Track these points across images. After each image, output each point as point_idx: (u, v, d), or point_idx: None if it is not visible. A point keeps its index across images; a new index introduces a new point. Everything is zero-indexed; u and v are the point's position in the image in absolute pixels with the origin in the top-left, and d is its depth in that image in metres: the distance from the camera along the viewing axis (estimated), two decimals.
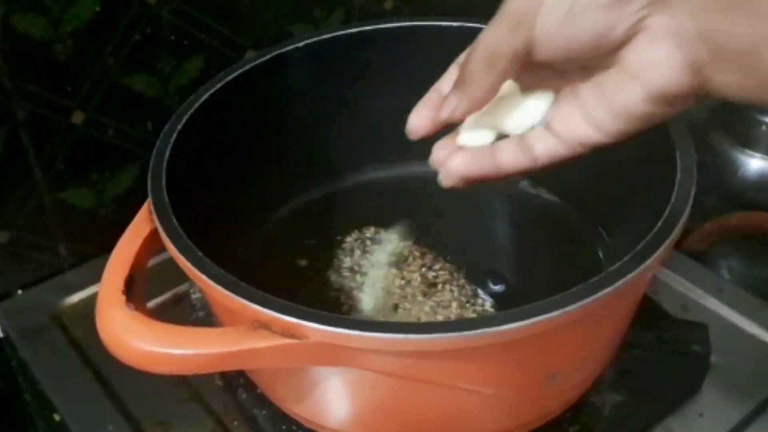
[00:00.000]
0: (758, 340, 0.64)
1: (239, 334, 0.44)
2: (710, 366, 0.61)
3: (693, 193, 0.49)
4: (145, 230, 0.51)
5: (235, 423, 0.59)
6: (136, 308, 0.46)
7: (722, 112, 0.94)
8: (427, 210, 0.69)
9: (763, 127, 0.90)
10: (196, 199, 0.57)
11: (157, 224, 0.50)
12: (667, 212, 0.48)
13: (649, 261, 0.45)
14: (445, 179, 0.46)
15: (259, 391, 0.59)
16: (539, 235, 0.69)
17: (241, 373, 0.60)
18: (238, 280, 0.46)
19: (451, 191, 0.44)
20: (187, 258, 0.47)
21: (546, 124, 0.43)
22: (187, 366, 0.45)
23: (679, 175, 0.51)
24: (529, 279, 0.65)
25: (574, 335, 0.47)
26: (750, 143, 0.90)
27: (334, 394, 0.51)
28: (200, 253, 0.47)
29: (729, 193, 0.92)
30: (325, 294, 0.63)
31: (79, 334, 0.67)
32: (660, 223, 0.47)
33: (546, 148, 0.43)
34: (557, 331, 0.44)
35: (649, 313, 0.61)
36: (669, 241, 0.46)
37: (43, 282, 0.72)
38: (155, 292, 0.69)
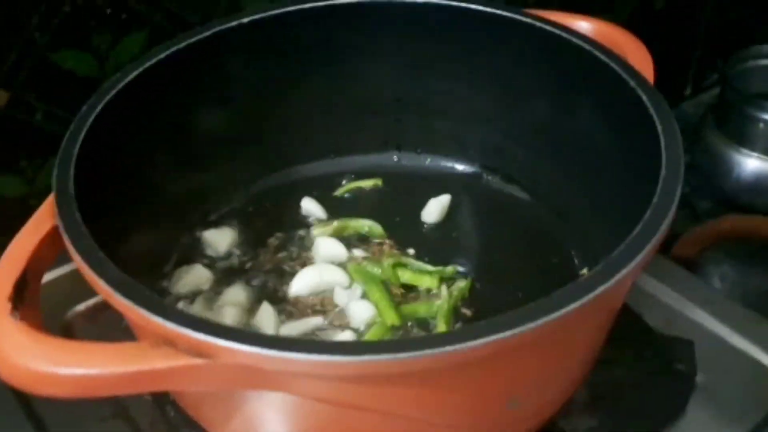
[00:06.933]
0: (749, 357, 0.58)
1: (139, 352, 0.38)
2: (695, 386, 0.56)
3: (679, 190, 0.43)
4: (46, 226, 0.44)
5: None
6: (23, 318, 0.39)
7: (717, 110, 0.90)
8: (390, 206, 0.65)
9: (761, 125, 0.85)
10: (116, 195, 0.51)
11: (57, 218, 0.43)
12: (648, 213, 0.41)
13: (625, 270, 0.38)
14: None
15: None
16: (508, 236, 0.63)
17: None
18: (142, 286, 0.39)
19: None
20: (85, 259, 0.40)
21: None
22: (77, 388, 0.38)
23: (663, 171, 0.44)
24: (496, 284, 0.59)
25: (537, 355, 0.40)
26: (746, 142, 0.87)
27: (262, 420, 0.44)
28: (102, 254, 0.40)
29: (723, 195, 0.89)
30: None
31: None
32: (640, 226, 0.41)
33: None
34: (516, 351, 0.38)
35: (628, 327, 0.56)
36: (650, 247, 0.40)
37: None
38: (84, 295, 0.63)
